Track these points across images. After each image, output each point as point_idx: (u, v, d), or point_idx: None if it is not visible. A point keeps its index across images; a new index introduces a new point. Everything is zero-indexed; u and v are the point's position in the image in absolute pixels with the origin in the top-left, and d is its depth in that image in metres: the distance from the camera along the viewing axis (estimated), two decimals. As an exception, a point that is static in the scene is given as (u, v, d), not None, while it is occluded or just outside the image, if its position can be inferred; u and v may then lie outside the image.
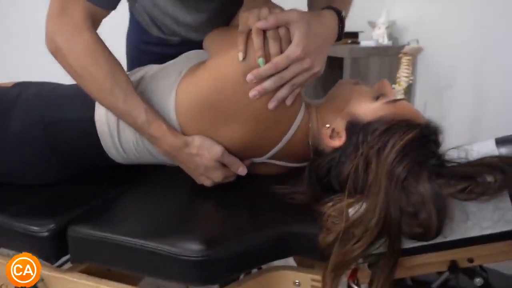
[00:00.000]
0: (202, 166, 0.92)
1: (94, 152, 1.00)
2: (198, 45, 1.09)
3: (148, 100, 0.93)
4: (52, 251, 0.87)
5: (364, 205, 0.76)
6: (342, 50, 2.49)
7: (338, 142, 0.87)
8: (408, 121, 0.82)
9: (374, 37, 2.58)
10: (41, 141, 0.97)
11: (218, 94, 0.87)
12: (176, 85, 0.93)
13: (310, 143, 0.92)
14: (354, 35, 2.66)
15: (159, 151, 0.94)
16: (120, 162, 1.03)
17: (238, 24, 1.01)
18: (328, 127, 0.90)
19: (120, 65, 0.92)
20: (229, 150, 0.93)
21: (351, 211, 0.77)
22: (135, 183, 1.03)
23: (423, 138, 0.80)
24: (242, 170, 0.95)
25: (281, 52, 0.84)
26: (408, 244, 0.76)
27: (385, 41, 2.54)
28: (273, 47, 0.84)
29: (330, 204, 0.80)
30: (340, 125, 0.88)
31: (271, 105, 0.86)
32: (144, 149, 0.98)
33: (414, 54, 2.24)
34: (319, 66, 0.87)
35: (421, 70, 2.53)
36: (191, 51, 1.05)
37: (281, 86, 0.86)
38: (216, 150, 0.91)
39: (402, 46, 2.50)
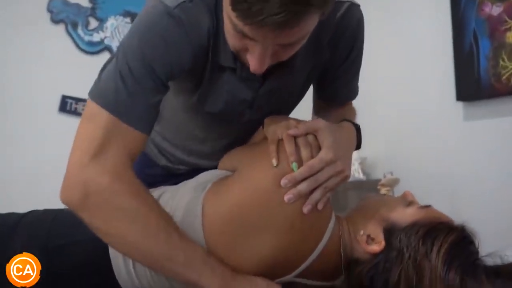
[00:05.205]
0: None
1: (101, 278, 0.91)
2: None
3: (172, 216, 0.88)
4: None
5: None
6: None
7: (377, 247, 0.86)
8: (446, 223, 0.83)
9: (349, 172, 2.68)
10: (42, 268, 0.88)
11: (251, 203, 0.85)
12: (202, 198, 0.90)
13: (342, 254, 0.89)
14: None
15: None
16: None
17: (255, 141, 1.03)
18: (363, 234, 0.88)
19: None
20: (257, 270, 0.87)
21: None
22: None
23: (465, 239, 0.80)
24: None
25: (312, 157, 0.86)
26: None
27: (360, 175, 2.64)
28: (304, 152, 0.86)
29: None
30: (376, 230, 0.88)
31: (306, 208, 0.85)
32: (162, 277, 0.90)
33: (392, 185, 2.33)
34: (349, 170, 0.90)
35: (398, 201, 2.59)
36: (209, 171, 1.03)
37: (314, 190, 0.86)
38: None
39: (376, 180, 2.60)
